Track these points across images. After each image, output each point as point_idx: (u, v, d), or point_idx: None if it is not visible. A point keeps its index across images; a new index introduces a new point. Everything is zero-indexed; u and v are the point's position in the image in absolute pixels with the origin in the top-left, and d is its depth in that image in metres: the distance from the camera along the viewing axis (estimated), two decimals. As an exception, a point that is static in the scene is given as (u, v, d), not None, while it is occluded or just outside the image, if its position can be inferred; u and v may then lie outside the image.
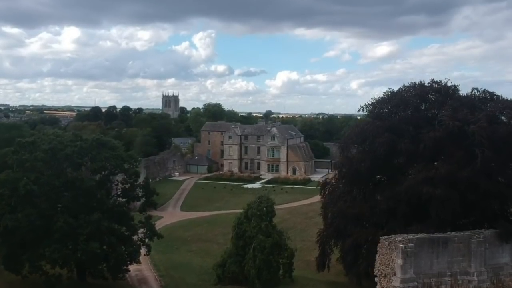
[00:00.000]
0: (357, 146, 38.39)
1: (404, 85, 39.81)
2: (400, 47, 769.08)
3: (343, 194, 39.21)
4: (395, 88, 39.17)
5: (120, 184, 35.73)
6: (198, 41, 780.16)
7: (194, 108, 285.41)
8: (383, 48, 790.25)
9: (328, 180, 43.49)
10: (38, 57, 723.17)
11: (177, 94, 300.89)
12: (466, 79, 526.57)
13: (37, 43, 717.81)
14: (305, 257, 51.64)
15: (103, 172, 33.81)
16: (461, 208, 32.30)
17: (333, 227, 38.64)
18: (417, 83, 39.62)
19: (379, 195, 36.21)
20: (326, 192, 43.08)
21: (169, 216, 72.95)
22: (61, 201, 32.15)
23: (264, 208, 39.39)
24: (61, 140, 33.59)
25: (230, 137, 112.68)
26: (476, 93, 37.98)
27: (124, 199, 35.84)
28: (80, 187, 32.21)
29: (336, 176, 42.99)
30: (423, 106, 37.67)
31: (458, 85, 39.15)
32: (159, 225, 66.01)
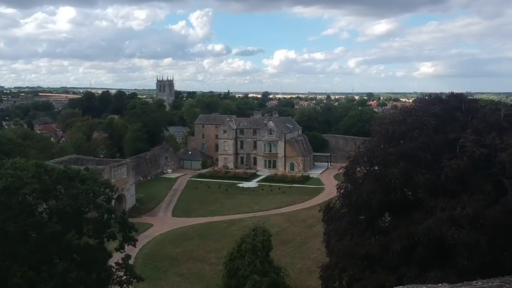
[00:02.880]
0: (365, 170, 33.37)
1: (417, 98, 34.77)
2: (399, 25, 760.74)
3: (348, 226, 34.37)
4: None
5: (91, 225, 30.71)
6: (195, 20, 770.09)
7: (189, 96, 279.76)
8: (381, 26, 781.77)
9: (331, 204, 38.42)
10: (33, 37, 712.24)
11: (171, 79, 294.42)
12: (464, 57, 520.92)
13: (32, 23, 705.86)
14: (306, 281, 47.57)
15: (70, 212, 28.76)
16: (490, 255, 27.52)
17: (339, 269, 33.84)
18: (433, 95, 34.57)
19: (391, 232, 31.39)
20: (329, 218, 37.98)
21: (159, 223, 68.40)
22: (19, 250, 27.26)
23: (260, 243, 34.49)
24: (20, 175, 28.51)
25: (225, 131, 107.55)
26: (503, 110, 32.87)
27: (96, 240, 30.89)
28: (43, 233, 27.31)
29: (340, 200, 38.06)
30: (442, 127, 32.50)
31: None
32: (148, 236, 61.71)
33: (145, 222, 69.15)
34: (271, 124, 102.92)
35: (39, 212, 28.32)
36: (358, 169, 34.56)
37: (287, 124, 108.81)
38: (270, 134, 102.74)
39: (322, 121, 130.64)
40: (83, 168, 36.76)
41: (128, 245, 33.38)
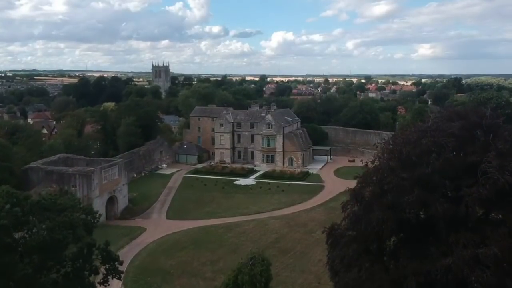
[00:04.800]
0: (375, 197, 30.06)
1: (431, 112, 31.35)
2: (398, 6, 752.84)
3: (356, 255, 31.18)
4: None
5: (70, 262, 27.42)
6: (193, 0, 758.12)
7: (185, 83, 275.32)
8: (381, 7, 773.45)
9: (336, 226, 35.12)
10: (29, 19, 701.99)
11: (167, 64, 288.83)
12: (463, 38, 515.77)
13: (28, 5, 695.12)
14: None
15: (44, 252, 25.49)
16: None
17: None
18: (449, 110, 31.11)
19: (405, 266, 28.25)
20: (334, 242, 34.73)
21: (153, 227, 65.37)
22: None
23: (258, 275, 31.34)
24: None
25: (221, 125, 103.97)
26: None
27: (76, 279, 27.63)
28: (12, 276, 24.09)
29: (345, 221, 34.78)
30: (461, 148, 29.16)
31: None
32: (140, 244, 58.67)
33: (138, 226, 66.21)
34: (269, 117, 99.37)
35: (8, 251, 25.02)
36: (367, 189, 31.29)
37: (286, 117, 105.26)
38: (268, 128, 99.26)
39: (322, 112, 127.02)
40: (62, 192, 33.29)
41: (112, 278, 30.19)
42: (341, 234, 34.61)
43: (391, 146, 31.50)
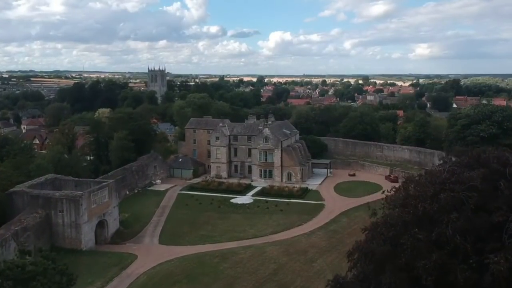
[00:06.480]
0: (387, 256, 26.79)
1: (448, 158, 28.10)
2: (396, 6, 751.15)
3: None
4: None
5: None
6: (190, 0, 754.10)
7: (182, 87, 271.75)
8: (379, 7, 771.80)
9: (340, 279, 31.73)
10: (26, 20, 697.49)
11: (163, 68, 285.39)
12: (461, 38, 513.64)
13: (25, 5, 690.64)
14: None
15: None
16: None
17: None
18: (468, 156, 27.88)
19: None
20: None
21: (144, 254, 61.96)
22: None
23: None
24: None
25: (217, 138, 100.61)
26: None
27: None
28: None
29: (351, 271, 31.45)
30: (484, 203, 25.90)
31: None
32: (130, 275, 55.12)
33: (128, 253, 62.76)
34: (266, 131, 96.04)
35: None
36: (377, 246, 27.96)
37: (284, 130, 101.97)
38: (266, 141, 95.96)
39: (320, 122, 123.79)
40: (36, 250, 29.86)
41: None
42: (347, 286, 31.41)
43: (401, 196, 28.31)
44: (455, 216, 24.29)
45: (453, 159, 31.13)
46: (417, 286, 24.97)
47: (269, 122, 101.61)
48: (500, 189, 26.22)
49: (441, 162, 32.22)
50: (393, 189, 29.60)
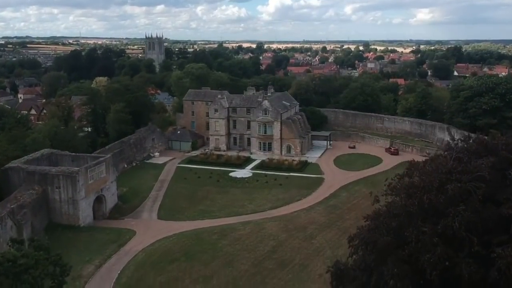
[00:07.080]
0: (390, 247, 26.03)
1: (452, 144, 26.91)
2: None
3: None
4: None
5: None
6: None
7: (180, 56, 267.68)
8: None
9: (341, 265, 31.08)
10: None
11: (161, 35, 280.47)
12: (462, 3, 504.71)
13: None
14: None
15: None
16: None
17: None
18: (476, 142, 26.77)
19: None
20: (340, 284, 30.85)
21: (143, 229, 61.69)
22: None
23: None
24: None
25: (216, 110, 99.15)
26: None
27: None
28: None
29: (352, 258, 30.82)
30: (492, 194, 24.97)
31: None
32: (128, 252, 54.93)
33: (127, 229, 62.42)
34: (266, 103, 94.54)
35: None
36: (380, 236, 27.17)
37: (283, 102, 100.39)
38: (265, 114, 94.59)
39: (321, 93, 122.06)
40: (29, 241, 29.04)
41: None
42: (348, 273, 30.82)
43: (405, 185, 27.33)
44: (462, 208, 23.39)
45: (456, 135, 30.05)
46: (420, 279, 24.36)
47: (269, 94, 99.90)
48: (509, 179, 25.29)
49: (448, 139, 31.12)
50: (397, 177, 28.62)
